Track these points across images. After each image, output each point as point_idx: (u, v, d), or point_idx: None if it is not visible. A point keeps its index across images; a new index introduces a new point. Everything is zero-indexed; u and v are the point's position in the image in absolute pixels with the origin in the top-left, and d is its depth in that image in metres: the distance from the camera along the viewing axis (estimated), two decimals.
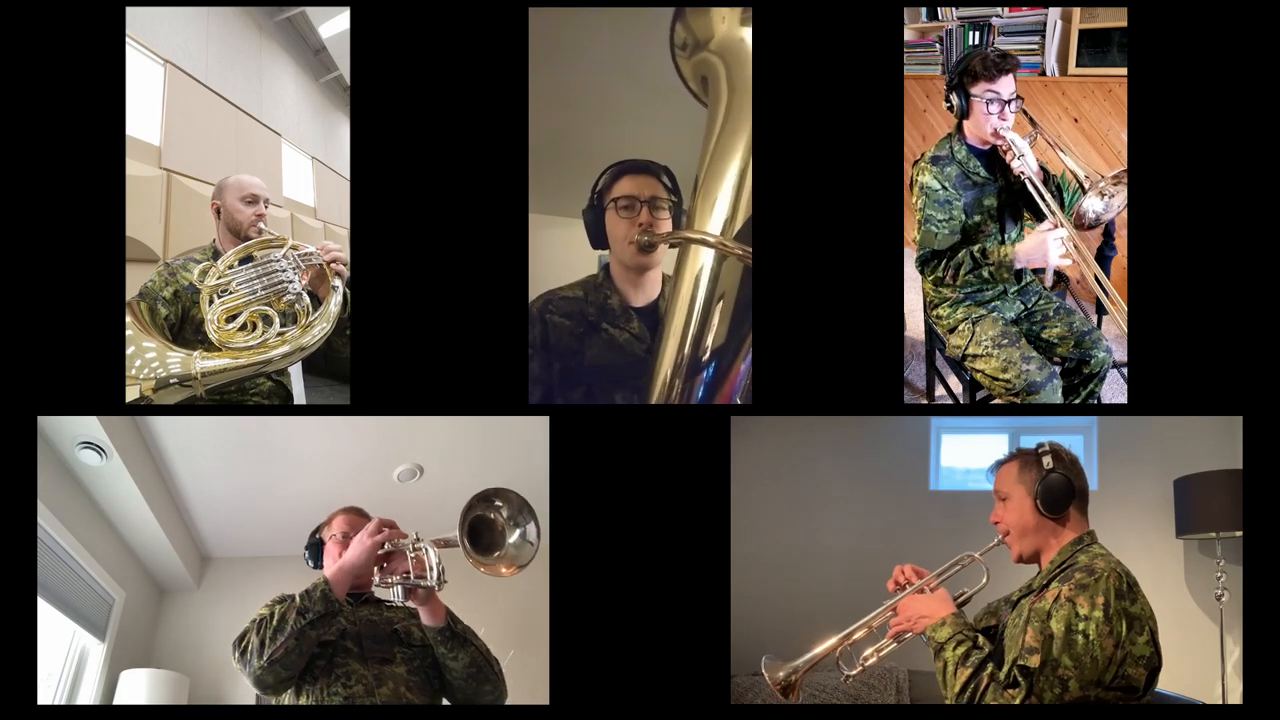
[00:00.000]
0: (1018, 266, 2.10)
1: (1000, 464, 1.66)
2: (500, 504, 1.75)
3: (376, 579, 1.75)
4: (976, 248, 2.13)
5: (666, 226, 1.87)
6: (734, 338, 1.77)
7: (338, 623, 1.72)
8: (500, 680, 1.83)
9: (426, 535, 1.74)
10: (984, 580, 1.66)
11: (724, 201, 1.75)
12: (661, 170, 1.91)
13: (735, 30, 1.82)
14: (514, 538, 1.74)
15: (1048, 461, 1.59)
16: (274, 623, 1.65)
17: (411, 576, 1.72)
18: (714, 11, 1.82)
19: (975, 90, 2.11)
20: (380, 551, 1.73)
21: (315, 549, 1.94)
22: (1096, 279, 2.02)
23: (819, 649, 1.65)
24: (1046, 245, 2.03)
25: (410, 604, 1.75)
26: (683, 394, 1.77)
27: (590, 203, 1.92)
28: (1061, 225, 2.04)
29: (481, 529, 1.73)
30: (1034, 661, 1.43)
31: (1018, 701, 1.43)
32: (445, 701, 1.83)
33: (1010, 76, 2.10)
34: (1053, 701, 1.42)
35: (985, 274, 2.13)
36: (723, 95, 1.81)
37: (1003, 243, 2.19)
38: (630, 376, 1.85)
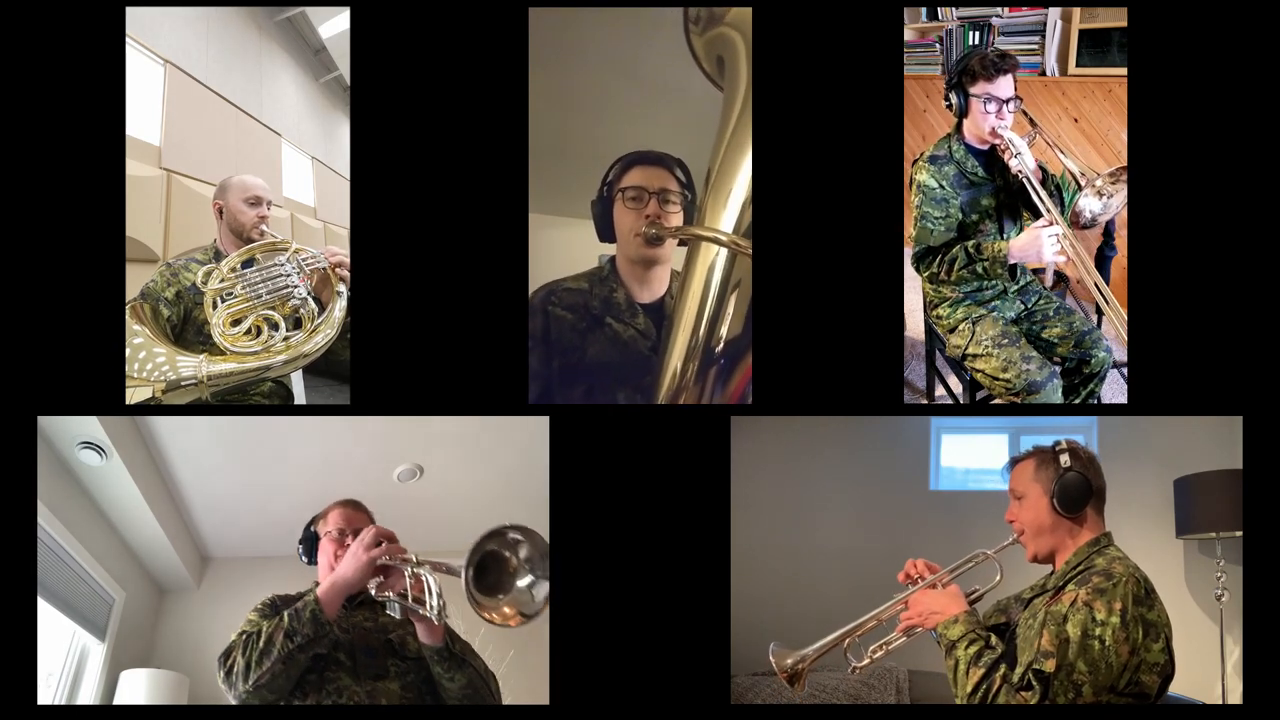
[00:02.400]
0: (1011, 261, 2.11)
1: (1016, 461, 1.62)
2: (521, 541, 1.55)
3: (372, 590, 1.65)
4: (971, 243, 2.13)
5: (676, 220, 1.82)
6: (749, 328, 1.72)
7: (329, 636, 1.62)
8: (498, 699, 1.74)
9: (429, 546, 1.63)
10: (997, 578, 1.62)
11: (738, 196, 1.67)
12: (675, 163, 1.86)
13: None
14: (524, 582, 1.55)
15: (1065, 459, 1.55)
16: (260, 644, 1.55)
17: (409, 598, 1.60)
18: None
19: (974, 90, 2.11)
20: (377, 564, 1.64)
21: (309, 544, 1.87)
22: (1094, 282, 2.02)
23: (827, 638, 1.61)
24: (1040, 242, 2.04)
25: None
26: (696, 385, 1.68)
27: (599, 194, 1.89)
28: (1056, 223, 2.03)
29: (490, 565, 1.54)
30: (1049, 666, 1.40)
31: (1033, 703, 1.41)
32: None
33: (1009, 77, 2.10)
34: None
35: (979, 269, 2.13)
36: (741, 78, 1.72)
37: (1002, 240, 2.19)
38: (633, 376, 1.80)
